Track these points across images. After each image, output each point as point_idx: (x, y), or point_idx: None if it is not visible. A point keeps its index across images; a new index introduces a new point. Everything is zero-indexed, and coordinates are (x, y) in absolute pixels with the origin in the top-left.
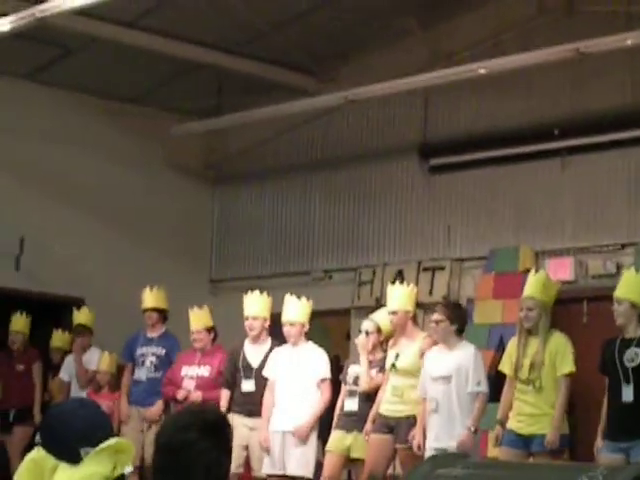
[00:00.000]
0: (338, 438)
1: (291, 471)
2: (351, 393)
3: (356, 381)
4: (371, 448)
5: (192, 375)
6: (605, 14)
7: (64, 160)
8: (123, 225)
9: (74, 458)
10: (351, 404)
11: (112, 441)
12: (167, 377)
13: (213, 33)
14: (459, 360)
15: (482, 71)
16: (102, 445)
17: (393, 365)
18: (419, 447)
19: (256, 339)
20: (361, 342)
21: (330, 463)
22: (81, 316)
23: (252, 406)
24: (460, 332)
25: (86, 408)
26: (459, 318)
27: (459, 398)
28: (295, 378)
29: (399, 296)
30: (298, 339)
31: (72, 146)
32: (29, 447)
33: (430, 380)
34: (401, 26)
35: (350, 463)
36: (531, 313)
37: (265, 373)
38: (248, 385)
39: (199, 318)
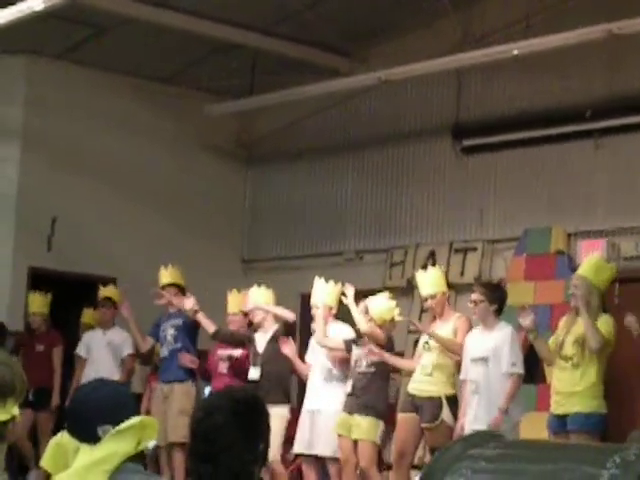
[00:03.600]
0: (344, 420)
1: (319, 451)
2: (352, 374)
3: (356, 362)
4: (400, 427)
5: (226, 356)
6: None
7: (96, 139)
8: (155, 204)
9: (93, 438)
10: (350, 385)
11: (135, 420)
12: (205, 366)
13: (247, 13)
14: (496, 341)
15: (515, 52)
16: (124, 424)
17: (426, 342)
18: (462, 428)
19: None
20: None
21: (345, 446)
22: (107, 290)
23: (260, 393)
24: (499, 312)
25: (107, 387)
26: (498, 298)
27: (497, 379)
28: (323, 359)
29: (433, 279)
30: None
31: (105, 125)
32: (55, 431)
33: (470, 361)
34: (434, 7)
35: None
36: (577, 291)
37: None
38: (253, 373)
39: (236, 301)
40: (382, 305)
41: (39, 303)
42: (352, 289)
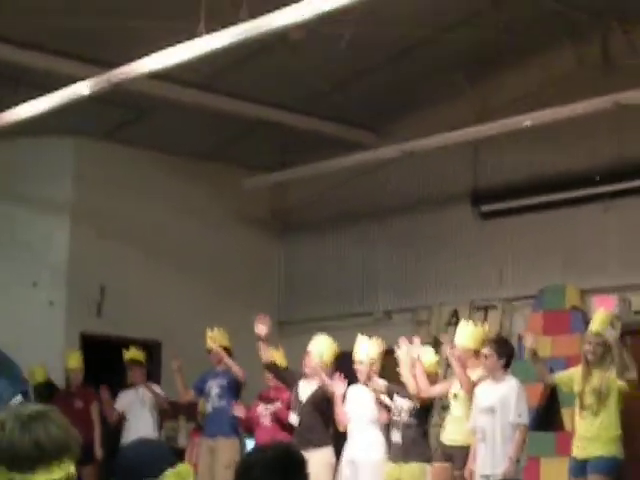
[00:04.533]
0: (392, 470)
1: None
2: (394, 424)
3: (400, 412)
4: (433, 477)
5: (267, 411)
6: None
7: (142, 212)
8: (197, 273)
9: None
10: (395, 435)
11: (173, 469)
12: (245, 417)
13: (279, 93)
14: (503, 393)
15: (527, 123)
16: (164, 474)
17: (455, 394)
18: (470, 474)
19: (309, 375)
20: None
21: None
22: (132, 353)
23: (299, 438)
24: (507, 366)
25: (147, 444)
26: (506, 353)
27: (502, 428)
28: (363, 413)
29: (462, 333)
30: (366, 377)
31: (149, 200)
32: None
33: (478, 411)
34: (451, 83)
35: None
36: (593, 347)
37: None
38: (294, 418)
39: (275, 357)
40: (432, 358)
41: (76, 360)
42: (416, 345)
